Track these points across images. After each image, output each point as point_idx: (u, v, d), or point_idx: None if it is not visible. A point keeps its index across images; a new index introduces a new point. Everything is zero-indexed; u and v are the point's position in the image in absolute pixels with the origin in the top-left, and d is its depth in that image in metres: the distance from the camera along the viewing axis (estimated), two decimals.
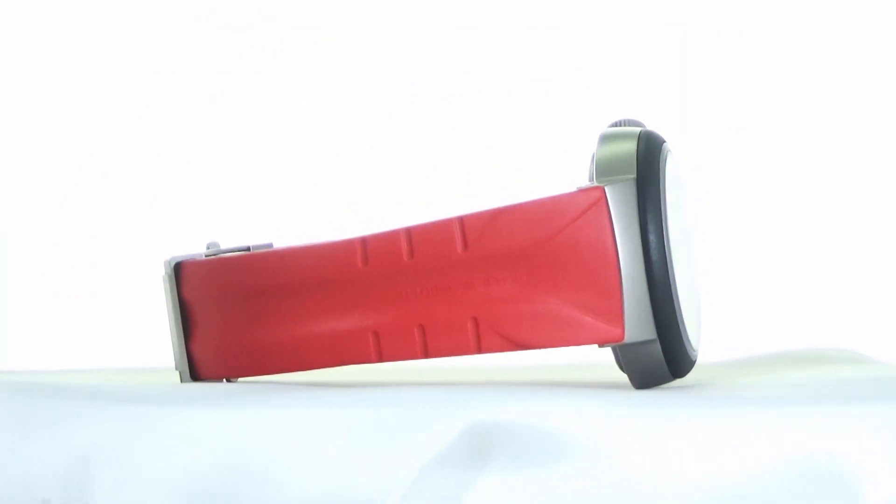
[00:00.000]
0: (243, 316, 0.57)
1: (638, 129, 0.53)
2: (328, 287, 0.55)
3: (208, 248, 0.58)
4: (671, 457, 0.38)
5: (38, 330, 0.91)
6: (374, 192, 0.93)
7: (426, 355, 0.52)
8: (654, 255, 0.50)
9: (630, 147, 0.51)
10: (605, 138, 0.52)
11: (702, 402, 0.43)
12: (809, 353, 0.67)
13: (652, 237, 0.50)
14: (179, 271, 0.58)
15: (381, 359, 0.54)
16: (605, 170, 0.51)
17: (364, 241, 0.54)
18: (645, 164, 0.51)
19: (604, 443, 0.38)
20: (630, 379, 0.52)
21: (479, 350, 0.51)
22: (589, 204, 0.50)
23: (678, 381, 0.52)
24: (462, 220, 0.51)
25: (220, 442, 0.38)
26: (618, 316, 0.50)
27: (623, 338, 0.50)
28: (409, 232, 0.52)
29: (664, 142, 0.53)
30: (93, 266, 0.92)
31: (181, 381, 0.57)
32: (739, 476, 0.38)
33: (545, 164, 0.89)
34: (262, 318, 0.56)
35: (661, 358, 0.50)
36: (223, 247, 0.58)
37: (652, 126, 0.55)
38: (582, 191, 0.50)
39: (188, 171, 0.93)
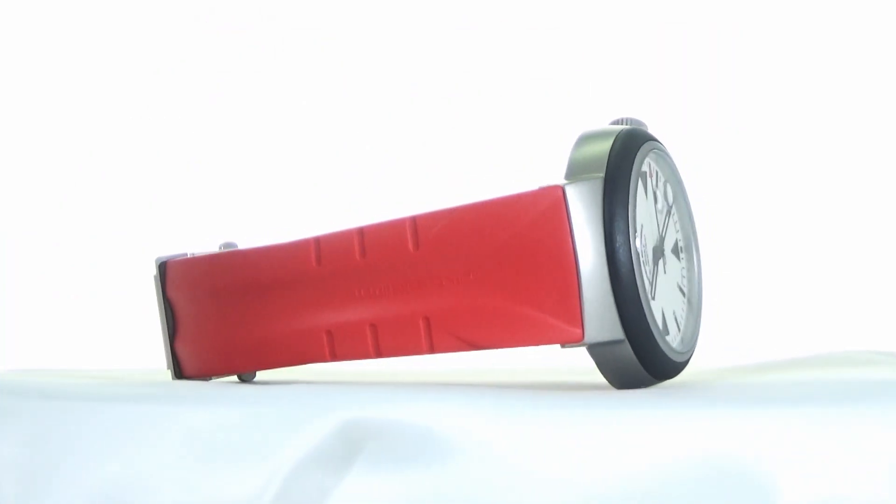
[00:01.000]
0: (213, 315, 0.57)
1: (619, 129, 0.52)
2: (285, 286, 0.55)
3: (220, 248, 0.58)
4: (549, 458, 0.37)
5: (38, 330, 0.91)
6: (374, 191, 0.93)
7: (378, 355, 0.52)
8: (619, 255, 0.49)
9: (604, 146, 0.51)
10: (583, 138, 0.52)
11: (603, 402, 0.42)
12: (849, 356, 0.65)
13: (617, 236, 0.49)
14: (164, 271, 0.58)
15: (334, 358, 0.54)
16: (575, 169, 0.50)
17: (318, 241, 0.54)
18: (616, 163, 0.50)
19: (474, 443, 0.38)
20: (607, 380, 0.51)
21: (432, 350, 0.51)
22: (547, 203, 0.49)
23: (668, 383, 0.51)
24: (415, 220, 0.51)
25: (103, 445, 0.37)
26: (576, 316, 0.48)
27: (582, 338, 0.49)
28: (362, 232, 0.52)
29: (647, 141, 0.52)
30: (92, 266, 0.92)
31: (171, 380, 0.57)
32: (624, 477, 0.37)
33: (544, 163, 0.88)
34: (227, 318, 0.57)
35: (634, 359, 0.49)
36: (241, 247, 0.58)
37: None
38: (540, 190, 0.50)
39: (188, 170, 0.93)
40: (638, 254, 0.49)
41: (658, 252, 0.52)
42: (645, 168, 0.52)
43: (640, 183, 0.51)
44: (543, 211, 0.49)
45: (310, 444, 0.37)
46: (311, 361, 0.54)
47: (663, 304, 0.52)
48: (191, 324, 0.57)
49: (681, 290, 0.54)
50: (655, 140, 0.53)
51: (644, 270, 0.50)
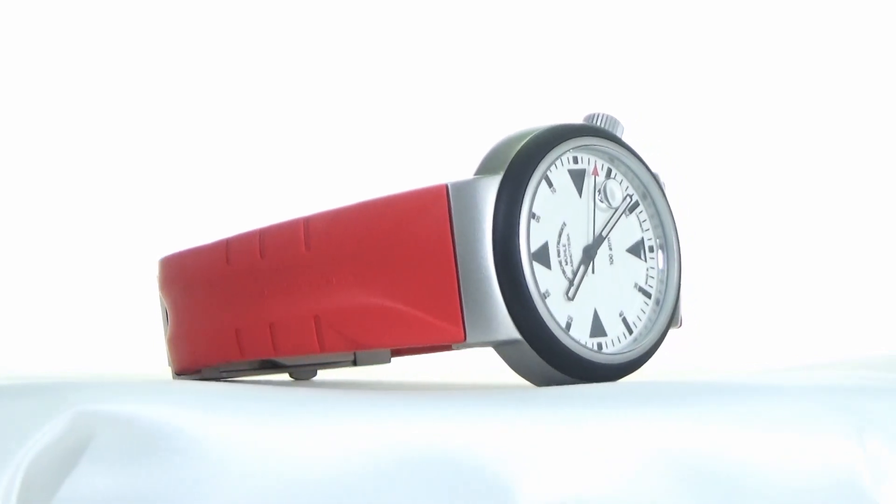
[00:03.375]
0: (177, 312, 0.59)
1: (540, 127, 0.51)
2: (207, 286, 0.56)
3: None
4: (273, 454, 0.37)
5: (41, 331, 0.91)
6: (374, 189, 0.93)
7: (277, 353, 0.53)
8: (505, 254, 0.48)
9: (516, 145, 0.50)
10: (505, 137, 0.51)
11: (357, 399, 0.42)
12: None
13: (504, 235, 0.48)
14: (160, 269, 0.60)
15: (243, 356, 0.55)
16: (482, 167, 0.51)
17: (228, 242, 0.55)
18: (520, 161, 0.50)
19: (206, 438, 0.38)
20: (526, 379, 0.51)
21: (323, 349, 0.51)
22: (428, 202, 0.49)
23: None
24: (307, 220, 0.52)
25: None
26: (456, 316, 0.48)
27: (464, 338, 0.48)
28: (262, 232, 0.53)
29: (578, 137, 0.51)
30: (96, 265, 0.93)
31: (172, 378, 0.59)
32: (348, 473, 0.37)
33: None
34: (178, 316, 0.59)
35: (538, 359, 0.49)
36: None
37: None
38: (423, 189, 0.50)
39: (193, 169, 0.94)
40: (530, 253, 0.49)
41: (590, 252, 0.51)
42: (583, 165, 0.52)
43: (569, 180, 0.51)
44: (425, 210, 0.49)
45: (43, 440, 0.38)
46: (228, 359, 0.56)
47: (597, 305, 0.51)
48: (171, 321, 0.59)
49: (641, 290, 0.53)
50: (605, 137, 0.52)
51: (563, 270, 0.50)
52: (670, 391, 0.44)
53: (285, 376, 0.64)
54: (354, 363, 0.63)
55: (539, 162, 0.50)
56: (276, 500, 0.36)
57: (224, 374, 0.60)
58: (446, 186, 0.49)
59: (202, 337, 0.57)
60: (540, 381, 0.50)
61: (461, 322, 0.48)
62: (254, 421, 0.38)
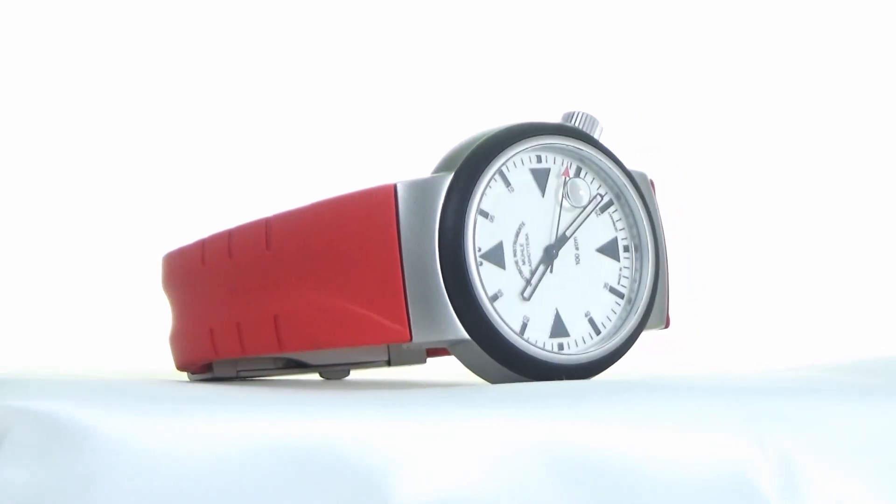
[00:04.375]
0: (171, 311, 0.60)
1: (501, 126, 0.51)
2: (189, 284, 0.58)
3: None
4: (171, 451, 0.38)
5: (48, 331, 0.92)
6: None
7: (245, 353, 0.54)
8: (452, 252, 0.49)
9: (474, 143, 0.51)
10: (469, 136, 0.52)
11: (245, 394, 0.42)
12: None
13: (450, 234, 0.49)
14: (162, 266, 0.61)
15: (217, 355, 0.56)
16: (438, 166, 0.51)
17: (204, 243, 0.56)
18: (472, 160, 0.50)
19: (117, 434, 0.39)
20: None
21: (282, 348, 0.52)
22: (376, 202, 0.49)
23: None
24: (268, 221, 0.52)
25: None
26: (402, 316, 0.49)
27: (410, 338, 0.49)
28: (231, 233, 0.54)
29: (530, 137, 0.51)
30: (105, 264, 0.93)
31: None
32: (218, 468, 0.38)
33: None
34: (173, 314, 0.60)
35: (488, 358, 0.49)
36: None
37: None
38: (371, 188, 0.50)
39: (197, 167, 0.94)
40: (477, 251, 0.49)
41: (551, 251, 0.51)
42: (547, 165, 0.52)
43: (531, 179, 0.51)
44: (372, 209, 0.49)
45: None
46: (204, 359, 0.57)
47: (559, 305, 0.51)
48: (171, 319, 0.61)
49: (612, 290, 0.52)
50: (575, 136, 0.52)
51: (520, 270, 0.50)
52: (585, 389, 0.44)
53: (314, 376, 0.64)
54: (388, 363, 0.64)
55: (491, 161, 0.50)
56: (167, 496, 0.37)
57: (241, 373, 0.60)
58: (394, 186, 0.49)
59: (188, 335, 0.58)
60: (496, 380, 0.50)
61: (407, 322, 0.49)
62: (155, 419, 0.39)
